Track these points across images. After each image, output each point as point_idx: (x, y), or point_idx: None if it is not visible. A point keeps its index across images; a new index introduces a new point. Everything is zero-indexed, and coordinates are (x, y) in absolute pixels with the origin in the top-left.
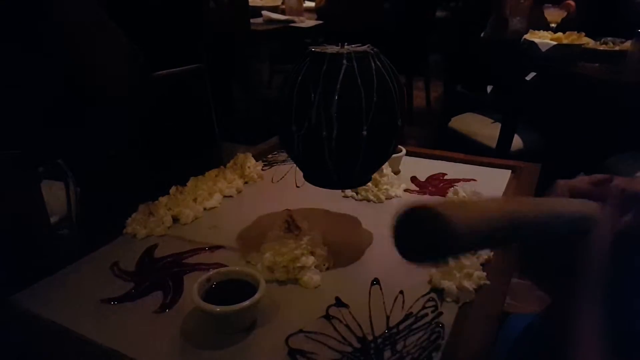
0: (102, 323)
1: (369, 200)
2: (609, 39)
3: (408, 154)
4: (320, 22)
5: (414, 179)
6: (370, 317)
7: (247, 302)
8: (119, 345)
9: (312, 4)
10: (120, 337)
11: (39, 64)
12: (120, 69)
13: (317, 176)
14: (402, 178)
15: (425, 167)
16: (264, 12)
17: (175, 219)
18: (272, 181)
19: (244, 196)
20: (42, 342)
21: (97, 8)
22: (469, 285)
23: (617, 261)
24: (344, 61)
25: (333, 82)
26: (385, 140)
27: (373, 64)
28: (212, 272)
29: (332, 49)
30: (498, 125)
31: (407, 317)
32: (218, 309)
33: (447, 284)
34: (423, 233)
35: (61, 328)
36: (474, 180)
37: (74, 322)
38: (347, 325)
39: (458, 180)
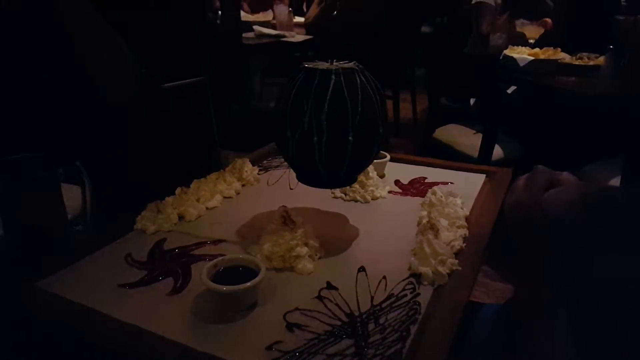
0: (121, 304)
1: (356, 201)
2: (583, 54)
3: (392, 160)
4: (310, 37)
5: (397, 182)
6: (357, 297)
7: (249, 283)
8: (138, 321)
9: (302, 19)
10: (137, 315)
11: (55, 72)
12: (121, 79)
13: (308, 176)
14: (386, 181)
15: (407, 172)
16: (256, 27)
17: (181, 217)
18: (267, 184)
19: (242, 197)
20: (68, 321)
21: (100, 21)
22: (443, 270)
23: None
24: (333, 76)
25: (323, 94)
26: (368, 145)
27: (358, 79)
28: (218, 259)
29: (322, 65)
30: (480, 136)
31: (389, 297)
32: (224, 289)
33: (424, 269)
34: None
35: (84, 308)
36: (452, 183)
37: (95, 303)
38: (336, 304)
39: (437, 183)
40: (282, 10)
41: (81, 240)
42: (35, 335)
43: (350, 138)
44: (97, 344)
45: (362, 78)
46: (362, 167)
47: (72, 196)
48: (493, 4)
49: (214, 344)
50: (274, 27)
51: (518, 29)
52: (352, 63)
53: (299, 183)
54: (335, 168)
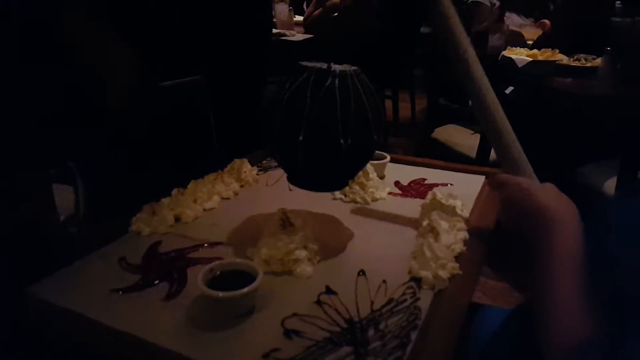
0: (113, 310)
1: (356, 202)
2: (581, 55)
3: (392, 161)
4: (310, 35)
5: (397, 183)
6: (356, 302)
7: (246, 289)
8: (130, 328)
9: (302, 18)
10: (130, 321)
11: (48, 71)
12: (118, 78)
13: (299, 179)
14: (386, 182)
15: (407, 173)
16: None
17: (177, 219)
18: (266, 185)
19: (240, 198)
20: (59, 327)
21: (98, 20)
22: (443, 274)
23: None
24: (329, 78)
25: (316, 95)
26: (363, 149)
27: (355, 83)
28: (215, 263)
29: (319, 65)
30: (478, 136)
31: (389, 302)
32: (221, 294)
33: (424, 273)
34: None
35: (75, 314)
36: (451, 184)
37: (87, 309)
38: (336, 310)
39: (436, 185)
40: (282, 9)
41: (73, 243)
42: (27, 341)
43: (342, 142)
44: (88, 352)
45: (357, 82)
46: (355, 171)
47: (65, 197)
48: (488, 3)
49: (209, 351)
50: (274, 26)
51: (516, 29)
52: (348, 66)
53: None
54: (326, 172)
